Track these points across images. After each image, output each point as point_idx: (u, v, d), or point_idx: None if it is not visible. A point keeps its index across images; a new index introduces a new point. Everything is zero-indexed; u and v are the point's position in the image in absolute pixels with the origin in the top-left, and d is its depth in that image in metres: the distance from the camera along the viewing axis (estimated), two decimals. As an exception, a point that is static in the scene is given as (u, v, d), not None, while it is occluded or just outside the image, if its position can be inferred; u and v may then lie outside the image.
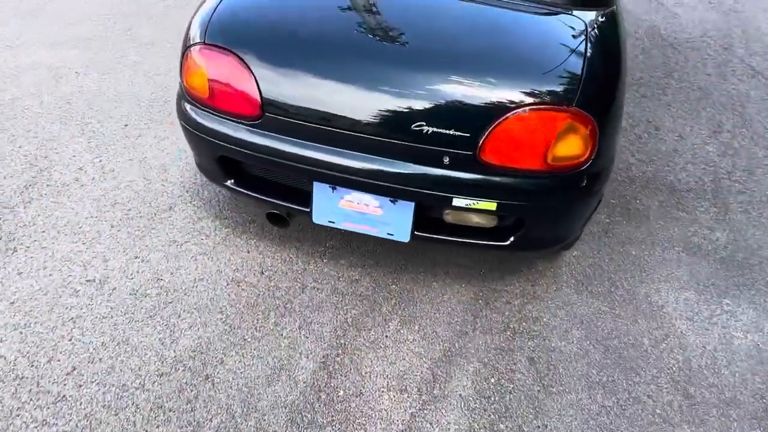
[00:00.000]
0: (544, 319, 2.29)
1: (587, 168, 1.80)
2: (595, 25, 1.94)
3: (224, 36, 1.88)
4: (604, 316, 2.32)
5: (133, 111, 3.21)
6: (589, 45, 1.83)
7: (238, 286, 2.30)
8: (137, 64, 3.63)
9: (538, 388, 2.04)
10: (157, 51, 3.77)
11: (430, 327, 2.21)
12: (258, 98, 1.84)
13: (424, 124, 1.73)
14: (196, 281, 2.30)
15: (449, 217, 1.99)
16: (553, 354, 2.16)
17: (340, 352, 2.09)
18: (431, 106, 1.74)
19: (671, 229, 2.75)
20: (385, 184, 1.86)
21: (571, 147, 1.72)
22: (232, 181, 2.15)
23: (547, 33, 1.93)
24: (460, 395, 1.99)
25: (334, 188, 1.97)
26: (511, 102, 1.70)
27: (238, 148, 1.96)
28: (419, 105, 1.74)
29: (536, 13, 2.01)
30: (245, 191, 2.14)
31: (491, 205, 1.84)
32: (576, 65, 1.78)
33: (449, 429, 1.89)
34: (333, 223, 2.08)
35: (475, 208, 1.85)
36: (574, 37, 1.88)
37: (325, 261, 2.43)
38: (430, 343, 2.16)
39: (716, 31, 4.63)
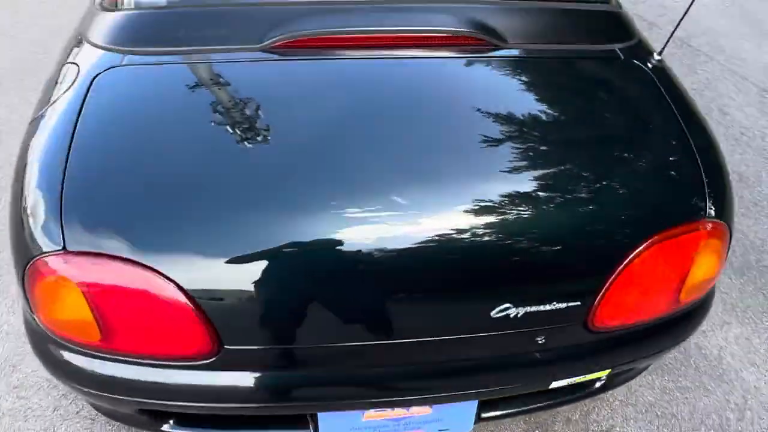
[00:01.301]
0: (617, 429, 1.80)
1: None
2: (660, 70, 1.34)
3: (103, 229, 0.99)
4: (672, 395, 1.90)
5: None
6: (676, 109, 1.25)
7: None
8: None
9: None
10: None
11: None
12: (204, 326, 1.01)
13: (510, 306, 1.05)
14: None
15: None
16: (652, 479, 1.69)
17: None
18: (515, 276, 1.06)
19: (675, 245, 2.40)
20: (441, 395, 1.18)
21: (707, 270, 1.17)
22: (172, 422, 1.29)
23: (615, 98, 1.30)
24: None
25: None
26: (626, 237, 1.08)
27: (179, 402, 1.12)
28: (497, 280, 1.05)
29: (570, 61, 1.34)
30: (198, 432, 1.30)
31: (603, 374, 1.24)
32: (683, 148, 1.19)
33: None
34: (355, 441, 1.34)
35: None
36: (651, 98, 1.28)
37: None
38: None
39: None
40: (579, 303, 1.08)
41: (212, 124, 1.12)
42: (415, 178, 1.06)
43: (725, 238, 1.17)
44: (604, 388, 1.45)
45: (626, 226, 1.09)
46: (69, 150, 1.06)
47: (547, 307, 1.07)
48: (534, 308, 1.06)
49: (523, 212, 1.05)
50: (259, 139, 1.11)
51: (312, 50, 1.22)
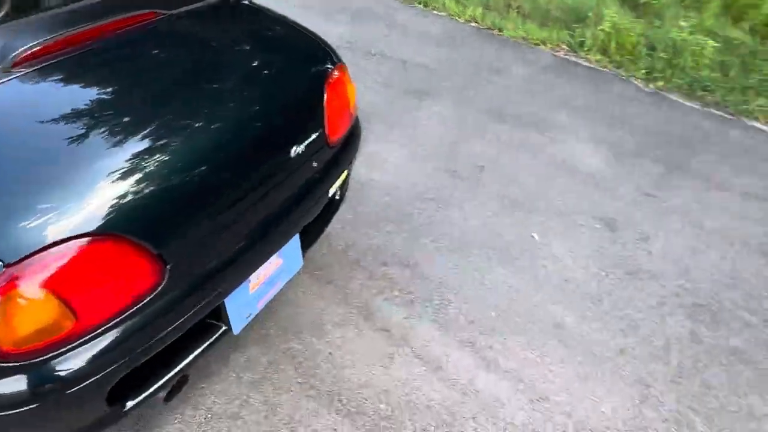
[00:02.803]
0: (355, 245, 2.67)
1: None
2: (255, 4, 2.05)
3: (25, 229, 1.12)
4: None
5: None
6: (284, 20, 2.03)
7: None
8: None
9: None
10: None
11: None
12: (150, 255, 1.29)
13: (295, 145, 1.68)
14: None
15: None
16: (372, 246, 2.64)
17: None
18: (293, 134, 1.68)
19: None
20: (291, 234, 1.79)
21: (353, 93, 2.02)
22: (132, 398, 1.45)
23: (252, 23, 1.94)
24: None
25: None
26: (317, 77, 1.82)
27: (141, 347, 1.36)
28: (288, 139, 1.66)
29: (212, 11, 1.91)
30: (154, 388, 1.49)
31: (345, 173, 2.01)
32: (306, 37, 1.99)
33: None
34: (251, 315, 1.78)
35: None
36: (269, 19, 2.01)
37: None
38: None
39: None
40: (322, 129, 1.80)
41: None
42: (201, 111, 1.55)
43: (348, 71, 2.06)
44: (341, 200, 2.26)
45: (316, 73, 1.84)
46: None
47: (309, 140, 1.74)
48: (304, 143, 1.72)
49: (273, 103, 1.69)
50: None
51: (50, 56, 1.44)
